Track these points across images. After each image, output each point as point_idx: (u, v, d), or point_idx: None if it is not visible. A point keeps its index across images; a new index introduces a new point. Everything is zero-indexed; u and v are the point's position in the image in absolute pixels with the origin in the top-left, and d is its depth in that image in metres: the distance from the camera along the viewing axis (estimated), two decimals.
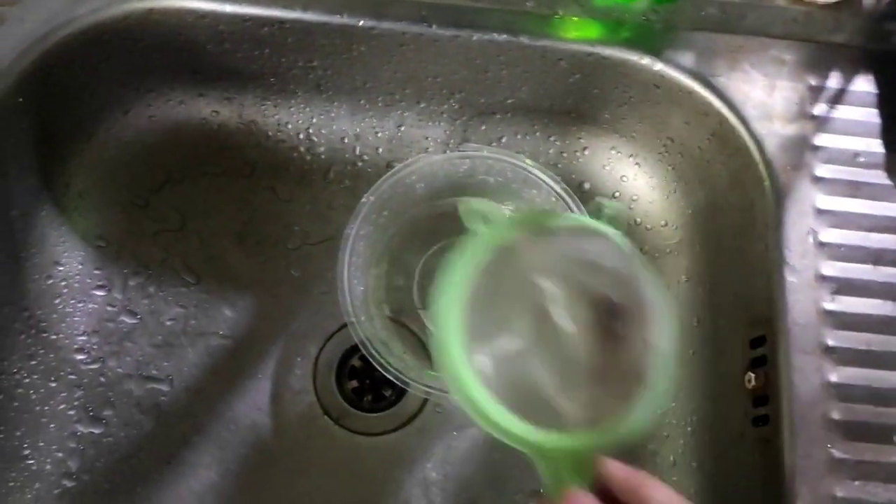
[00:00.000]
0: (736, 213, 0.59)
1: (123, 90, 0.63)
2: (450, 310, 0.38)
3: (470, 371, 0.37)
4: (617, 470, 0.37)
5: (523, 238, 0.39)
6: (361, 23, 0.58)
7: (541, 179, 0.56)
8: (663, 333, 0.39)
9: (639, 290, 0.40)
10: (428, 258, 0.64)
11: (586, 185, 0.68)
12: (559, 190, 0.57)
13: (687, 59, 0.58)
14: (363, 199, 0.55)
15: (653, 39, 0.58)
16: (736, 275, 0.59)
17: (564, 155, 0.68)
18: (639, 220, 0.68)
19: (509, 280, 0.38)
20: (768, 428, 0.52)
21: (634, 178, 0.68)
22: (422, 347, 0.63)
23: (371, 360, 0.54)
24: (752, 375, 0.54)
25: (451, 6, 0.58)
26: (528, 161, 0.57)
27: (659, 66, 0.58)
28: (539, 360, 0.39)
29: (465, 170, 0.58)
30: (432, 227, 0.62)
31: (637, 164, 0.67)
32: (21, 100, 0.56)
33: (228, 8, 0.57)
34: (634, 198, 0.68)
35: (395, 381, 0.52)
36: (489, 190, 0.59)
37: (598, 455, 0.38)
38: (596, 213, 0.43)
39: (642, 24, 0.58)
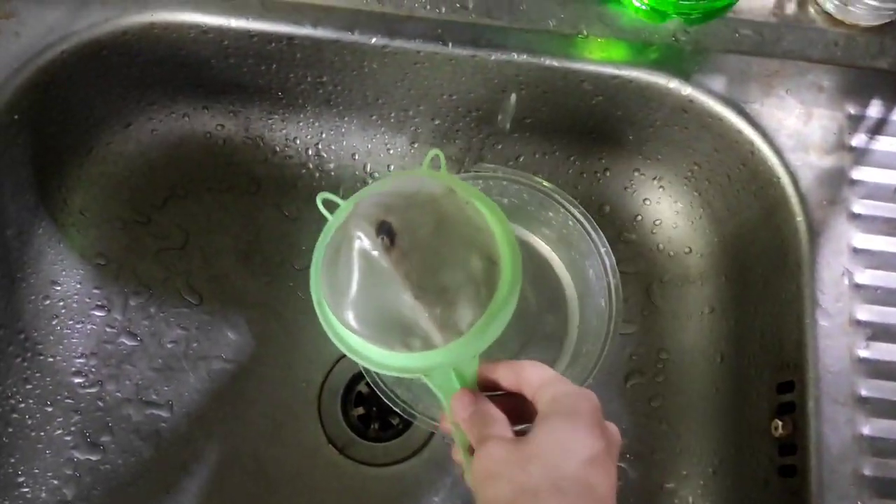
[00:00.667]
0: (766, 247, 0.56)
1: (124, 103, 0.61)
2: (314, 287, 0.47)
3: (343, 329, 0.45)
4: (495, 367, 0.43)
5: (353, 207, 0.46)
6: (374, 40, 0.55)
7: (558, 203, 0.53)
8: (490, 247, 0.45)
9: (459, 212, 0.46)
10: None
11: (606, 208, 0.65)
12: (577, 214, 0.54)
13: (718, 83, 0.55)
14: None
15: (682, 61, 0.55)
16: (764, 313, 0.56)
17: (584, 176, 0.65)
18: (661, 245, 0.65)
19: (343, 245, 0.45)
20: (795, 480, 0.50)
21: (658, 201, 0.65)
22: None
23: (376, 390, 0.51)
24: (780, 423, 0.51)
25: (468, 24, 0.55)
26: (545, 183, 0.54)
27: (688, 91, 0.55)
28: (384, 293, 0.44)
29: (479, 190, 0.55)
30: None
31: (661, 187, 0.64)
32: (16, 117, 0.53)
33: (234, 23, 0.54)
34: (657, 222, 0.65)
35: (402, 413, 0.49)
36: (504, 211, 0.56)
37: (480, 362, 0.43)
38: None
39: (671, 46, 0.55)
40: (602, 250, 0.53)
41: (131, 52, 0.56)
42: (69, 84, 0.55)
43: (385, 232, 0.44)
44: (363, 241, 0.45)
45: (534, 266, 0.60)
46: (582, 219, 0.54)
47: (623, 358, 0.63)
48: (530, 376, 0.41)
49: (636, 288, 0.65)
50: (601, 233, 0.54)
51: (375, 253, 0.44)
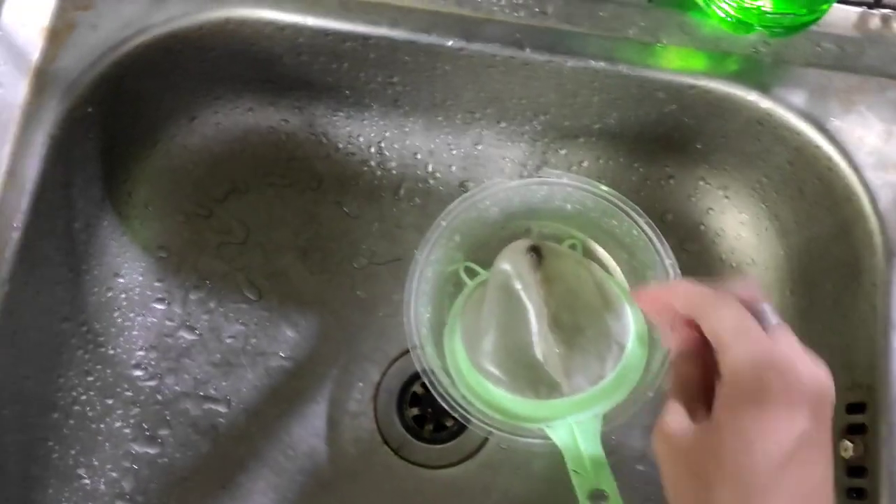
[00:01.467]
0: (838, 264, 0.55)
1: (192, 97, 0.61)
2: (452, 341, 0.53)
3: (482, 379, 0.50)
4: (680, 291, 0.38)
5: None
6: (451, 43, 0.54)
7: (622, 211, 0.52)
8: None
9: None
10: None
11: (669, 216, 0.65)
12: (642, 223, 0.53)
13: (797, 97, 0.54)
14: (435, 223, 0.52)
15: (761, 74, 0.54)
16: (833, 330, 0.55)
17: (648, 182, 0.65)
18: (724, 256, 0.64)
19: (485, 293, 0.52)
20: (864, 503, 0.49)
21: (722, 211, 0.64)
22: None
23: (433, 392, 0.51)
24: (850, 444, 0.51)
25: (547, 29, 0.54)
26: (609, 191, 0.54)
27: (767, 104, 0.54)
28: (520, 323, 0.50)
29: (542, 196, 0.55)
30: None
31: (727, 197, 0.63)
32: (90, 110, 0.53)
33: (311, 21, 0.54)
34: (720, 232, 0.64)
35: (457, 417, 0.49)
36: (566, 217, 0.56)
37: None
38: None
39: (751, 57, 0.54)
40: (667, 262, 0.52)
41: (205, 46, 0.55)
42: (142, 78, 0.55)
43: (534, 251, 0.50)
44: (509, 268, 0.50)
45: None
46: (647, 228, 0.53)
47: None
48: (719, 318, 0.34)
49: None
50: (666, 244, 0.53)
51: (522, 272, 0.48)
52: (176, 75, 0.57)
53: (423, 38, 0.54)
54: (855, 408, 0.52)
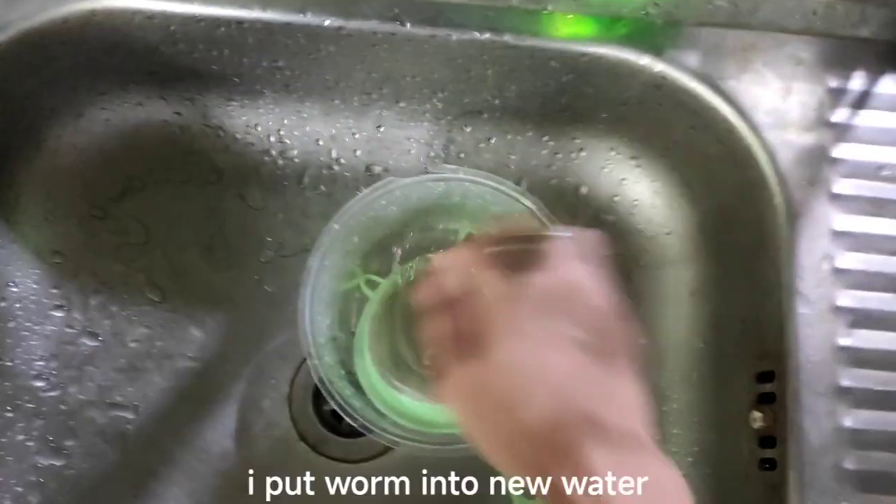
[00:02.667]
0: (746, 229, 0.53)
1: (74, 94, 0.58)
2: (362, 354, 0.52)
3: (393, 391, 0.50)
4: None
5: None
6: (327, 22, 0.52)
7: (523, 205, 0.50)
8: None
9: None
10: None
11: (583, 189, 0.63)
12: (543, 219, 0.50)
13: (692, 58, 0.52)
14: (328, 226, 0.50)
15: (654, 36, 0.52)
16: (744, 298, 0.54)
17: (559, 156, 0.63)
18: (640, 226, 0.62)
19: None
20: (775, 473, 0.48)
21: (636, 181, 0.62)
22: None
23: (332, 403, 0.49)
24: (759, 415, 0.50)
25: (426, 3, 0.52)
26: (507, 184, 0.51)
27: (660, 67, 0.52)
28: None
29: (441, 192, 0.52)
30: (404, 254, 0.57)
31: (639, 166, 0.61)
32: None
33: (178, 8, 0.51)
34: (635, 202, 0.62)
35: (359, 428, 0.47)
36: (466, 213, 0.53)
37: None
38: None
39: (642, 20, 0.52)
40: None
41: (74, 40, 0.53)
42: (10, 77, 0.53)
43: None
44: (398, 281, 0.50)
45: None
46: (547, 222, 0.50)
47: None
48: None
49: (616, 271, 0.62)
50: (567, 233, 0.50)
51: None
52: (50, 72, 0.55)
53: (299, 19, 0.52)
54: (764, 377, 0.50)
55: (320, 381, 0.49)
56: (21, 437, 0.57)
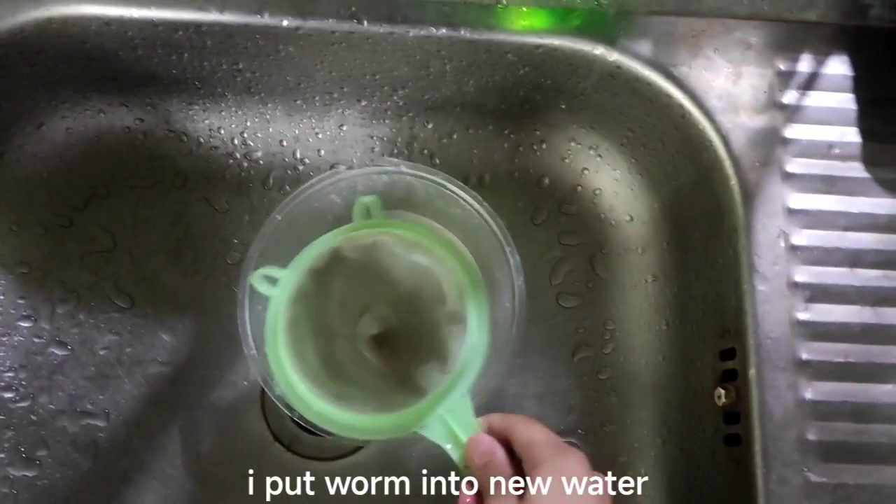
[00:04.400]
0: (703, 212, 0.55)
1: (34, 103, 0.58)
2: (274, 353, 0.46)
3: (306, 391, 0.46)
4: (494, 420, 0.42)
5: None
6: (285, 23, 0.52)
7: (462, 199, 0.49)
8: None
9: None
10: None
11: (545, 181, 0.64)
12: (482, 211, 0.50)
13: (644, 46, 0.53)
14: (270, 217, 0.49)
15: (606, 26, 0.53)
16: (704, 279, 0.55)
17: (521, 149, 0.64)
18: (603, 215, 0.63)
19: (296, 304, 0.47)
20: (740, 449, 0.49)
21: (596, 170, 0.63)
22: None
23: (277, 403, 0.47)
24: (723, 392, 0.51)
25: (382, 0, 0.52)
26: (444, 178, 0.50)
27: (615, 56, 0.53)
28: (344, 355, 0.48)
29: (385, 185, 0.52)
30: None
31: (599, 156, 0.63)
32: None
33: (136, 13, 0.52)
34: (597, 191, 0.63)
35: (310, 428, 0.46)
36: (411, 206, 0.53)
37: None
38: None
39: (594, 11, 0.53)
40: (507, 249, 0.49)
41: (31, 49, 0.53)
42: None
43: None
44: (307, 277, 0.46)
45: None
46: (487, 216, 0.49)
47: (569, 331, 0.62)
48: (521, 433, 0.41)
49: (580, 259, 0.63)
50: (505, 230, 0.49)
51: (323, 279, 0.46)
52: (8, 82, 0.55)
53: (257, 20, 0.52)
54: (726, 355, 0.51)
55: (262, 378, 0.47)
56: None
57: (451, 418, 0.43)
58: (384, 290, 0.50)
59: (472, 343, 0.45)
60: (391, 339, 0.51)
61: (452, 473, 0.47)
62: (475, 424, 0.43)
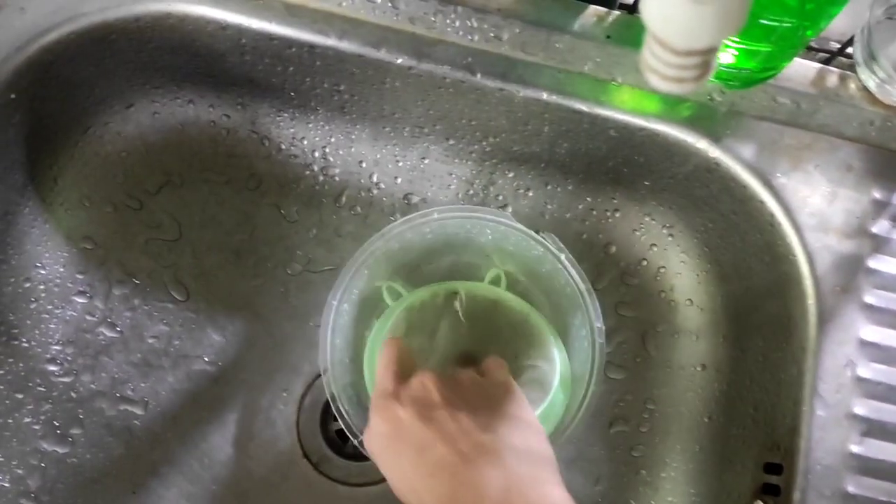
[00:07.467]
0: (771, 320, 0.55)
1: (128, 85, 0.58)
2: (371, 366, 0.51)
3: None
4: None
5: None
6: (400, 61, 0.52)
7: (560, 263, 0.52)
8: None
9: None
10: None
11: (612, 248, 0.64)
12: (582, 287, 0.52)
13: (747, 149, 0.53)
14: (367, 243, 0.51)
15: (714, 122, 0.53)
16: (760, 386, 0.55)
17: (594, 212, 0.64)
18: (663, 293, 0.63)
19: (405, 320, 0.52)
20: None
21: (665, 248, 0.63)
22: None
23: (340, 420, 0.50)
24: None
25: (499, 56, 0.52)
26: (546, 237, 0.52)
27: (716, 153, 0.53)
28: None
29: (470, 228, 0.54)
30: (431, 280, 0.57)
31: (671, 235, 0.63)
32: (13, 96, 0.50)
33: (255, 24, 0.51)
34: (662, 269, 0.64)
35: (361, 449, 0.48)
36: (502, 254, 0.55)
37: None
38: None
39: (705, 105, 0.53)
40: (598, 342, 0.51)
41: (143, 38, 0.53)
42: (72, 65, 0.52)
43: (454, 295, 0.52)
44: (426, 302, 0.52)
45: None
46: (588, 297, 0.52)
47: (610, 403, 0.62)
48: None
49: (633, 333, 0.64)
50: (596, 300, 0.52)
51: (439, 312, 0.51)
52: (111, 64, 0.54)
53: (372, 53, 0.52)
54: (771, 468, 0.52)
55: (332, 397, 0.50)
56: (28, 420, 0.57)
57: None
58: (485, 340, 0.52)
59: (551, 403, 0.49)
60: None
61: None
62: None
